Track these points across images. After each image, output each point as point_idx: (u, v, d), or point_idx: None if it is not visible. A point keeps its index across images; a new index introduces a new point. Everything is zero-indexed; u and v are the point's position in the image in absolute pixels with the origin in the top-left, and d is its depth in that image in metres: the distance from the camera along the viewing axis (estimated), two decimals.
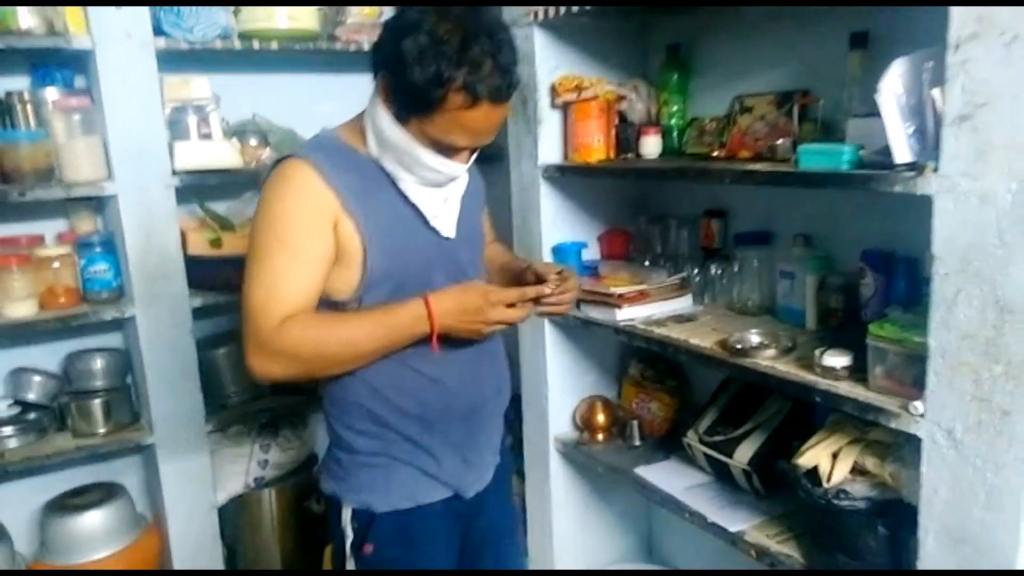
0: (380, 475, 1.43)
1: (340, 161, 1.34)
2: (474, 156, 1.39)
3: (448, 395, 1.44)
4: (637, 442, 2.19)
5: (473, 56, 1.21)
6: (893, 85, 1.28)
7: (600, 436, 2.24)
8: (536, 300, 1.43)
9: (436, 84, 1.22)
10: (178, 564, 2.46)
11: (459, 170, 1.38)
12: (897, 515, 1.40)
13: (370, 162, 1.37)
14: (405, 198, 1.38)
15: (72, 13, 2.15)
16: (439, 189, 1.40)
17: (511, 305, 1.38)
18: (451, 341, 1.39)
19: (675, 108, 2.11)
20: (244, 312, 1.31)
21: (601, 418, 2.25)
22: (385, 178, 1.37)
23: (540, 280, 1.49)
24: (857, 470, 1.48)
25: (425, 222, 1.40)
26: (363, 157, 1.37)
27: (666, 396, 2.21)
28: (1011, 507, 1.20)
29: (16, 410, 2.36)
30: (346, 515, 1.44)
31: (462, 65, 1.21)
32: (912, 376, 1.33)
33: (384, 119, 1.31)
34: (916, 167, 1.26)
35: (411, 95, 1.25)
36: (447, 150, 1.32)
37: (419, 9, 1.25)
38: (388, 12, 2.78)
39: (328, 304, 1.37)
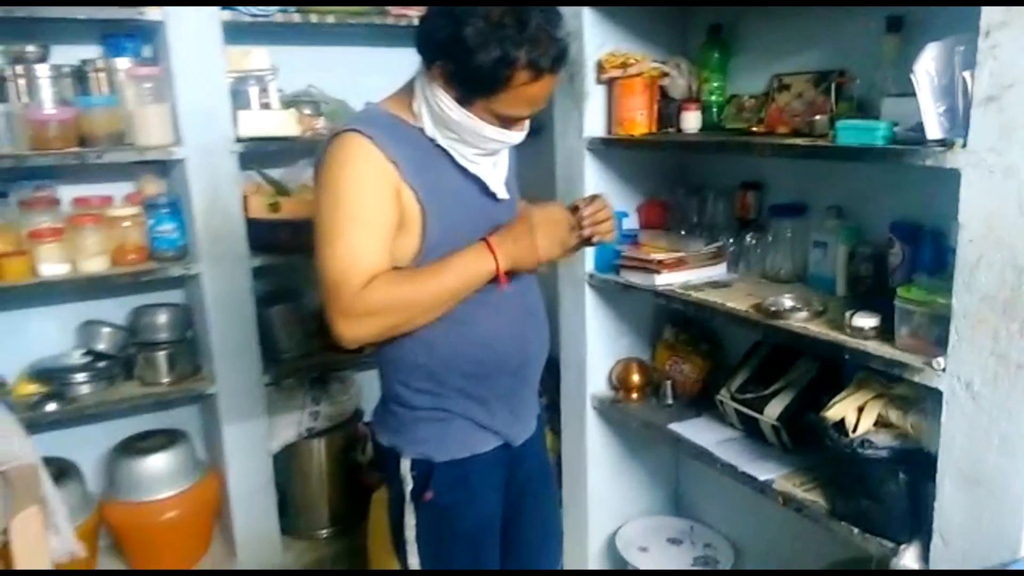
0: (437, 428, 1.53)
1: (394, 134, 1.40)
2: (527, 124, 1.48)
3: (499, 353, 1.54)
4: (670, 401, 2.32)
5: (531, 33, 1.30)
6: (927, 67, 1.39)
7: (635, 395, 2.37)
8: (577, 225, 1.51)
9: (502, 66, 1.29)
10: (235, 506, 2.64)
11: (520, 138, 1.48)
12: (917, 462, 1.53)
13: (420, 135, 1.44)
14: (456, 168, 1.47)
15: None
16: (491, 156, 1.50)
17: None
18: (501, 302, 1.48)
19: (715, 85, 2.21)
20: (324, 286, 1.36)
21: (636, 378, 2.38)
22: (435, 149, 1.44)
23: (574, 210, 1.54)
24: (881, 422, 1.61)
25: (476, 189, 1.49)
26: (413, 130, 1.44)
27: (698, 359, 2.33)
28: (1023, 452, 1.33)
29: (88, 359, 2.53)
30: (405, 465, 1.53)
31: (523, 44, 1.28)
32: (935, 335, 1.45)
33: (446, 103, 1.37)
34: (946, 143, 1.37)
35: (476, 79, 1.32)
36: (508, 121, 1.42)
37: None
38: None
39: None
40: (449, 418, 1.54)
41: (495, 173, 1.52)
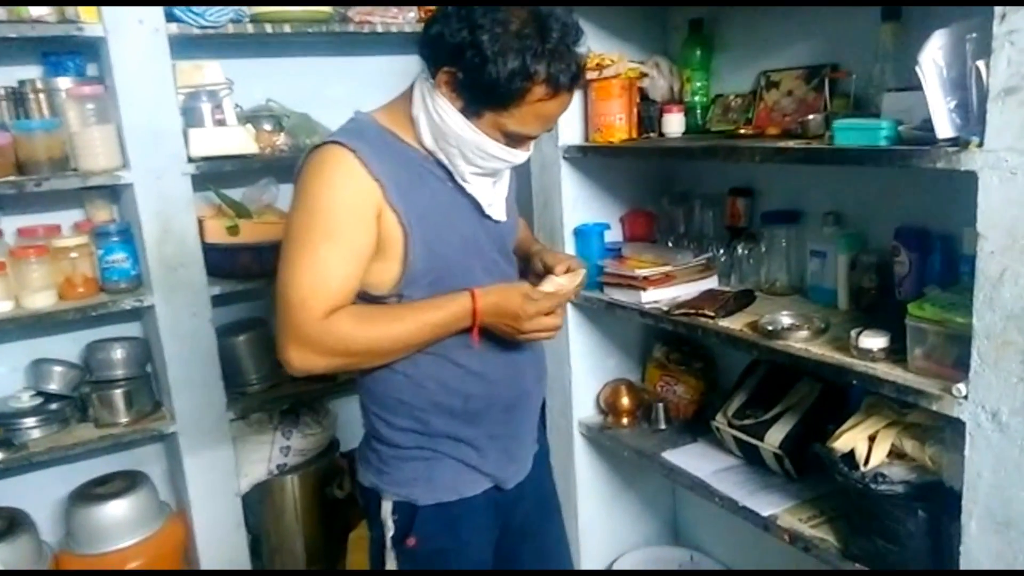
0: (422, 468, 1.41)
1: (383, 150, 1.29)
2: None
3: (490, 387, 1.42)
4: (663, 425, 2.17)
5: (552, 46, 1.19)
6: (934, 57, 1.24)
7: (625, 420, 2.22)
8: None
9: (520, 78, 1.19)
10: (202, 552, 2.47)
11: (524, 158, 1.35)
12: (938, 499, 1.38)
13: (413, 152, 1.33)
14: (451, 189, 1.35)
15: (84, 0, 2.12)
16: (490, 176, 1.38)
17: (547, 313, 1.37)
18: (492, 333, 1.38)
19: (698, 85, 2.07)
20: (283, 305, 1.25)
21: (626, 401, 2.23)
22: (430, 168, 1.34)
23: (548, 270, 1.49)
24: (895, 453, 1.46)
25: (474, 211, 1.38)
26: (406, 146, 1.33)
27: (692, 378, 2.18)
28: None
29: (38, 401, 2.35)
30: (386, 508, 1.42)
31: (543, 56, 1.19)
32: (954, 357, 1.30)
33: (449, 113, 1.26)
34: (959, 142, 1.22)
35: (488, 90, 1.21)
36: (515, 139, 1.30)
37: None
38: None
39: (365, 299, 1.33)
40: (436, 458, 1.42)
41: (493, 193, 1.40)
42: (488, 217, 1.40)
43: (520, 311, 1.34)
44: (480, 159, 1.31)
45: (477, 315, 1.32)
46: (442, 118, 1.27)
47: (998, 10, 1.12)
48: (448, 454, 1.42)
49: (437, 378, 1.38)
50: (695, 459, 1.97)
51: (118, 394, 2.37)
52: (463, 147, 1.29)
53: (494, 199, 1.40)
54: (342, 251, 1.26)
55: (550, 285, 1.44)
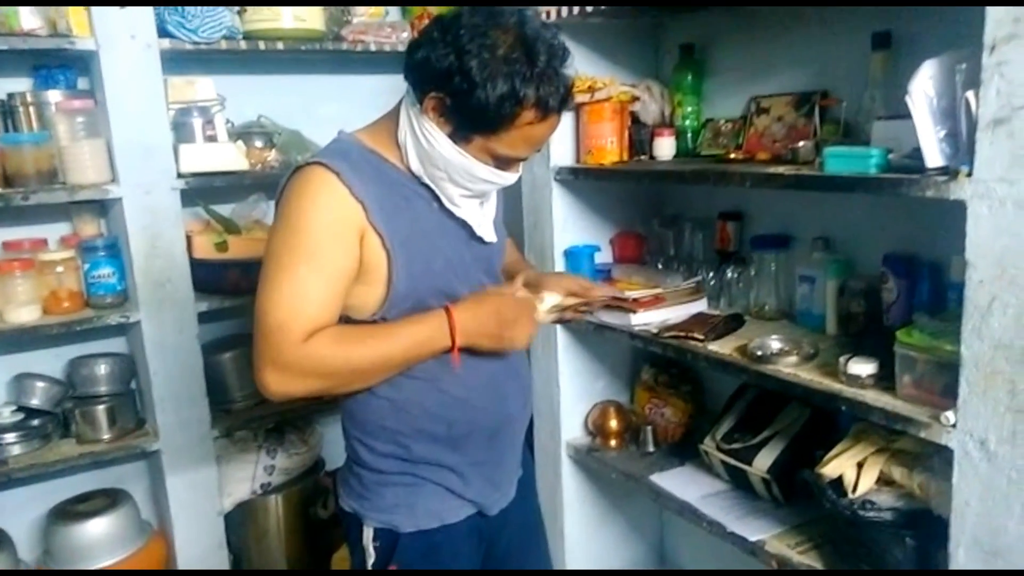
0: (404, 494, 1.39)
1: (366, 171, 1.27)
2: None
3: (474, 413, 1.39)
4: (651, 448, 2.15)
5: (541, 69, 1.19)
6: (924, 87, 1.25)
7: (613, 442, 2.21)
8: None
9: (510, 103, 1.18)
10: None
11: (513, 179, 1.34)
12: (926, 527, 1.37)
13: (398, 173, 1.31)
14: (437, 210, 1.34)
15: (75, 14, 2.12)
16: (477, 197, 1.37)
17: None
18: (476, 356, 1.35)
19: (689, 109, 2.08)
20: (261, 328, 1.21)
21: (614, 424, 2.22)
22: (415, 190, 1.32)
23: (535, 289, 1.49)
24: (883, 480, 1.45)
25: (461, 232, 1.37)
26: (390, 168, 1.31)
27: (680, 401, 2.17)
28: None
29: (20, 416, 2.32)
30: (367, 534, 1.39)
31: (532, 80, 1.18)
32: (942, 385, 1.30)
33: (437, 138, 1.25)
34: (949, 171, 1.22)
35: (477, 115, 1.20)
36: (504, 162, 1.29)
37: (467, 18, 1.19)
38: (394, 12, 2.80)
39: (347, 323, 1.31)
40: (418, 484, 1.39)
41: (482, 214, 1.39)
42: (477, 239, 1.39)
43: (498, 308, 1.33)
44: (469, 182, 1.30)
45: (455, 329, 1.28)
46: (430, 143, 1.26)
47: (988, 41, 1.13)
48: (430, 480, 1.39)
49: (420, 403, 1.36)
50: (683, 483, 1.95)
51: (101, 410, 2.35)
52: (451, 171, 1.28)
53: (483, 220, 1.39)
54: (323, 273, 1.23)
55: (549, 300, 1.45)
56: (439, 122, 1.24)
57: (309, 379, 1.24)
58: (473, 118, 1.21)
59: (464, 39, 1.18)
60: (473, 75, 1.16)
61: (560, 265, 2.16)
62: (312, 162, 1.26)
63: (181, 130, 2.34)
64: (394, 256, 1.27)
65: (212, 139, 2.38)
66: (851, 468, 1.47)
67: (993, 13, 1.12)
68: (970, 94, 1.18)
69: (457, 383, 1.36)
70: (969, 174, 1.18)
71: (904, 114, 1.29)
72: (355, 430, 1.41)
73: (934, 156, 1.25)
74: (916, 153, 1.28)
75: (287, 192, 1.26)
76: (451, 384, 1.36)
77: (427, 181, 1.31)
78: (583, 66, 2.07)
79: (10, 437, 2.25)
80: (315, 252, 1.22)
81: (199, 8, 2.25)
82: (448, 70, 1.18)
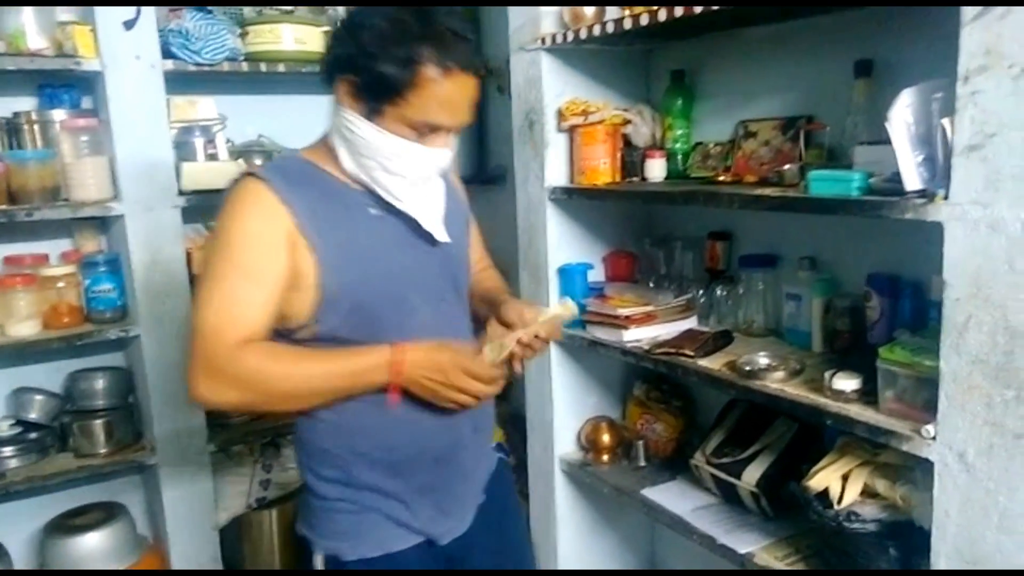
0: (347, 522, 1.36)
1: (300, 180, 1.29)
2: (453, 140, 1.34)
3: (419, 437, 1.37)
4: (642, 462, 2.19)
5: (435, 30, 1.22)
6: (903, 114, 1.31)
7: (605, 457, 2.25)
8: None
9: (406, 63, 1.20)
10: None
11: (444, 157, 1.32)
12: (908, 537, 1.42)
13: (340, 185, 1.32)
14: (383, 218, 1.33)
15: (81, 35, 2.17)
16: (418, 186, 1.34)
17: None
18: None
19: (679, 132, 2.13)
20: (194, 335, 1.22)
21: (606, 438, 2.25)
22: (358, 199, 1.32)
23: (508, 325, 1.42)
24: (867, 492, 1.49)
25: (414, 239, 1.36)
26: (328, 177, 1.32)
27: (671, 417, 2.22)
28: None
29: (17, 430, 2.35)
30: (317, 561, 1.37)
31: (426, 39, 1.21)
32: (923, 400, 1.35)
33: (356, 121, 1.26)
34: (926, 195, 1.28)
35: (382, 83, 1.22)
36: (426, 133, 1.27)
37: (367, 9, 1.24)
38: None
39: (283, 333, 1.31)
40: (362, 511, 1.36)
41: (427, 208, 1.36)
42: (431, 243, 1.37)
43: (451, 364, 1.29)
44: (400, 166, 1.28)
45: (401, 366, 1.27)
46: (351, 130, 1.27)
47: (962, 72, 1.19)
48: (373, 507, 1.36)
49: (361, 425, 1.34)
50: (674, 496, 1.99)
51: (98, 424, 2.37)
52: (378, 156, 1.27)
53: (429, 215, 1.36)
54: (254, 280, 1.24)
55: (493, 350, 1.36)
56: (353, 105, 1.26)
57: (239, 389, 1.23)
58: (380, 88, 1.23)
59: (356, 22, 1.24)
60: (369, 47, 1.21)
61: (554, 283, 2.20)
62: (246, 173, 1.29)
63: (183, 149, 2.39)
64: (323, 262, 1.27)
65: (213, 157, 2.43)
66: (836, 481, 1.51)
67: (967, 45, 1.18)
68: (946, 121, 1.24)
69: (400, 404, 1.33)
70: (945, 197, 1.24)
71: (885, 139, 1.34)
72: (301, 453, 1.41)
73: (913, 180, 1.30)
74: (896, 177, 1.33)
75: (223, 205, 1.29)
76: (398, 404, 1.32)
77: (364, 179, 1.31)
78: (578, 91, 2.14)
79: (8, 450, 2.28)
80: (244, 260, 1.24)
81: (202, 30, 2.30)
82: (347, 52, 1.24)
